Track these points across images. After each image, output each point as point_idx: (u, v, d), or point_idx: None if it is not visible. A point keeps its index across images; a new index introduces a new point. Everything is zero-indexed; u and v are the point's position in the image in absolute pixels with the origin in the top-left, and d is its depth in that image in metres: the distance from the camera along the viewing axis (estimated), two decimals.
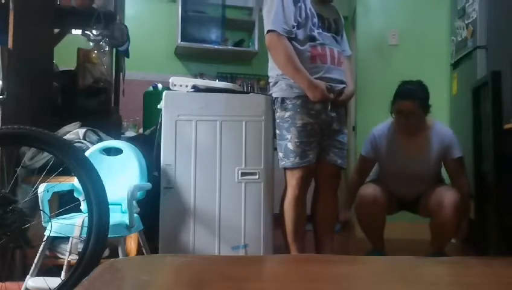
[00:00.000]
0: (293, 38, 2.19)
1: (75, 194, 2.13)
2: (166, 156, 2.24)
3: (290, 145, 2.19)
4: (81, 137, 2.44)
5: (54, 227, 1.89)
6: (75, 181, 2.04)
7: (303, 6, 2.22)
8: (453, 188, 2.54)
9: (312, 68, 2.18)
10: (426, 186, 2.60)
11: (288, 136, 2.20)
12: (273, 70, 2.28)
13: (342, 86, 2.27)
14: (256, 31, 4.40)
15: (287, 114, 2.21)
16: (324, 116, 2.22)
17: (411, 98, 2.49)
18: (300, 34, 2.20)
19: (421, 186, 2.62)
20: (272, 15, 2.17)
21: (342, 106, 2.32)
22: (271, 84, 2.32)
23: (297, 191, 2.20)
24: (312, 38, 2.22)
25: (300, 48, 2.19)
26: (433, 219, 2.52)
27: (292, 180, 2.21)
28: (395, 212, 2.72)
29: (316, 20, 2.25)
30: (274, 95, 2.27)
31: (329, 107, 2.23)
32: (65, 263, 1.96)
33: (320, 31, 2.25)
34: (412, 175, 2.59)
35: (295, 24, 2.19)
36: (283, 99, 2.22)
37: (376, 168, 2.75)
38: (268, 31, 2.18)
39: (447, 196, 2.45)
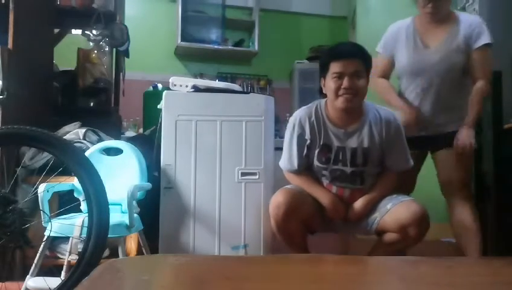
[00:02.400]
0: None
1: (75, 194, 2.13)
2: (166, 156, 2.24)
3: None
4: (81, 137, 2.44)
5: (54, 227, 1.89)
6: (75, 181, 2.04)
7: (310, 142, 2.07)
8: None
9: None
10: (449, 99, 2.24)
11: None
12: None
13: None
14: (256, 31, 4.40)
15: None
16: None
17: None
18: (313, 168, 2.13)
19: (442, 99, 2.24)
20: (282, 154, 2.16)
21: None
22: None
23: None
24: (320, 178, 2.12)
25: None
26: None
27: None
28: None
29: (331, 155, 2.06)
30: None
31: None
32: (65, 263, 1.95)
33: (332, 167, 2.08)
34: (434, 72, 2.23)
35: (300, 164, 2.09)
36: None
37: None
38: None
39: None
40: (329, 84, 2.01)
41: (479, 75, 2.20)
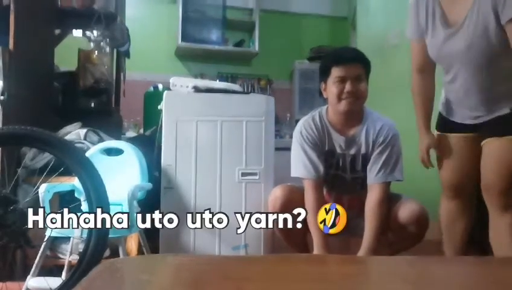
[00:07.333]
0: None
1: (76, 195, 2.13)
2: (166, 156, 2.24)
3: None
4: (82, 137, 2.45)
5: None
6: (75, 181, 2.05)
7: (322, 146, 2.05)
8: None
9: None
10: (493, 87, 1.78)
11: None
12: None
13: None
14: (256, 32, 4.40)
15: None
16: None
17: None
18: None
19: (480, 89, 1.80)
20: (293, 163, 2.09)
21: None
22: None
23: None
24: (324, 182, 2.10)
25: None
26: None
27: None
28: None
29: (334, 160, 2.07)
30: None
31: None
32: (66, 263, 1.96)
33: (336, 172, 2.09)
34: (460, 64, 1.81)
35: (318, 169, 2.02)
36: None
37: None
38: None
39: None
40: (331, 88, 2.00)
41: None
